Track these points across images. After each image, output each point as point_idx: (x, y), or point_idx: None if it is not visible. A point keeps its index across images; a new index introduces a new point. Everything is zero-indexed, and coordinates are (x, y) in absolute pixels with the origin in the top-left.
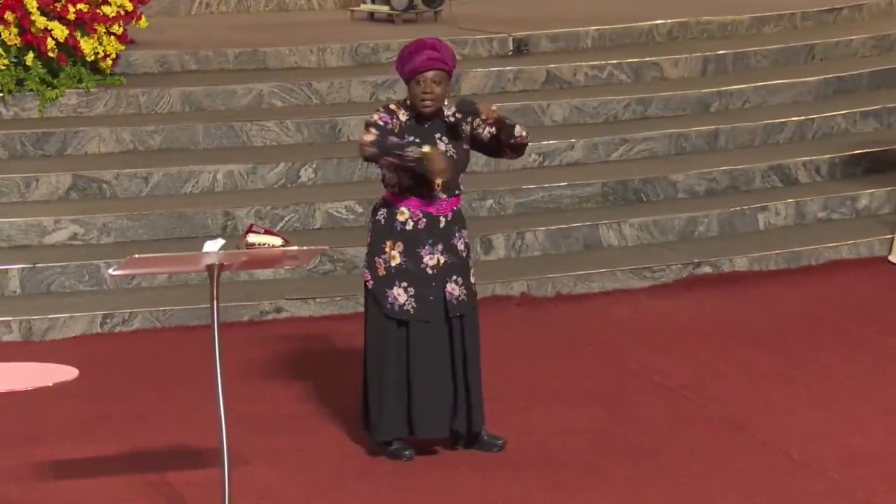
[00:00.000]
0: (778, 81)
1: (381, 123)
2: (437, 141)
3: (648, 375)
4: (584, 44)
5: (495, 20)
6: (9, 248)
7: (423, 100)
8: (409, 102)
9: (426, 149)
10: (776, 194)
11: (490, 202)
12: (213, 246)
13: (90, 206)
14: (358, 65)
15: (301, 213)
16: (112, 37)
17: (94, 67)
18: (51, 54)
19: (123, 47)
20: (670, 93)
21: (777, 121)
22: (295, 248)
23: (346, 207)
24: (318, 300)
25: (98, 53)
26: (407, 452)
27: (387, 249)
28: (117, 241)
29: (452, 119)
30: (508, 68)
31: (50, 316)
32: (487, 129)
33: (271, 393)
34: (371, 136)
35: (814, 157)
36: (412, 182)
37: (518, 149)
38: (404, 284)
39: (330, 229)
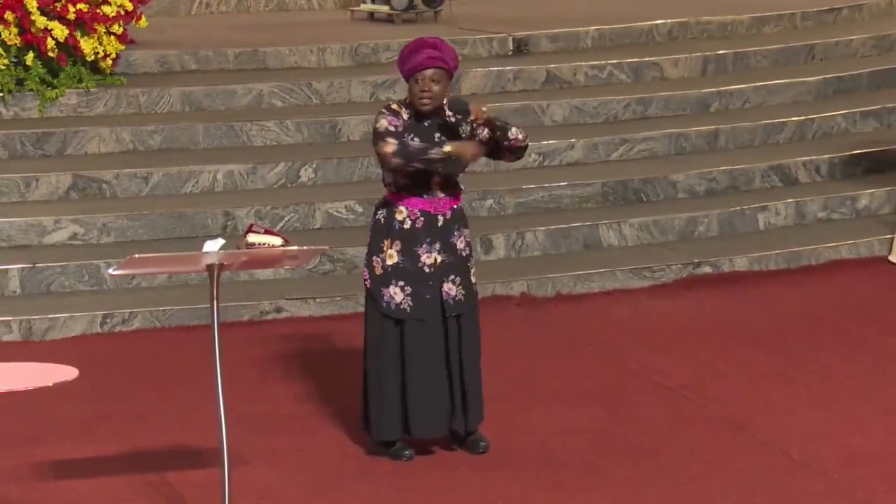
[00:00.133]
0: (778, 81)
1: (392, 129)
2: (437, 140)
3: (648, 375)
4: (584, 44)
5: (495, 20)
6: (9, 248)
7: (421, 98)
8: (409, 101)
9: (448, 148)
10: (776, 194)
11: (490, 202)
12: (213, 246)
13: (90, 206)
14: (358, 65)
15: (301, 213)
16: (112, 37)
17: (94, 67)
18: (51, 54)
19: (123, 47)
20: (670, 93)
21: (777, 121)
22: (295, 248)
23: (346, 207)
24: (318, 300)
25: (98, 53)
26: (407, 452)
27: (384, 248)
28: (117, 241)
29: (453, 118)
30: (508, 68)
31: (50, 316)
32: (485, 130)
33: (271, 393)
34: (391, 147)
35: (814, 157)
36: (408, 181)
37: (515, 151)
38: (401, 283)
39: (330, 229)
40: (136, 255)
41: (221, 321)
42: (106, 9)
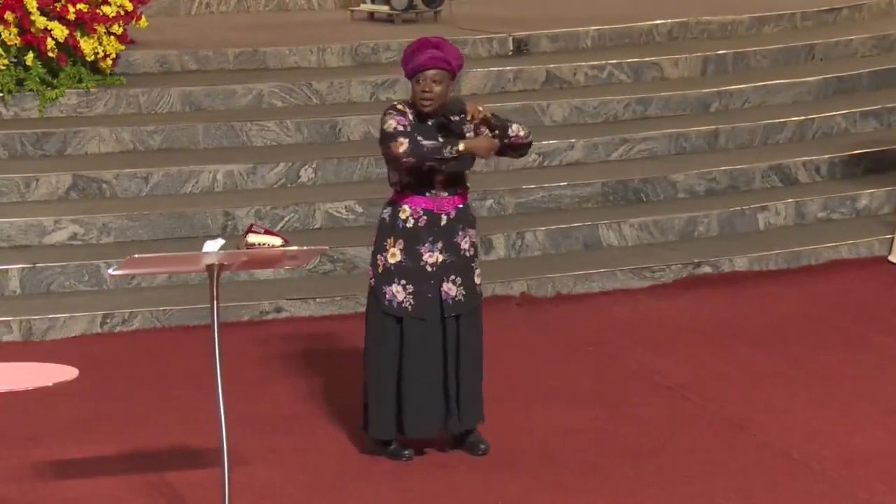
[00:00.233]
0: (778, 81)
1: (402, 129)
2: (440, 139)
3: (648, 375)
4: (584, 44)
5: (495, 20)
6: (9, 248)
7: (423, 98)
8: (412, 101)
9: (461, 146)
10: (776, 194)
11: (490, 202)
12: (213, 246)
13: (90, 206)
14: (358, 65)
15: (301, 213)
16: (112, 37)
17: (94, 67)
18: (51, 54)
19: (123, 47)
20: (670, 93)
21: (777, 121)
22: (295, 248)
23: (345, 207)
24: (318, 300)
25: (98, 53)
26: (406, 452)
27: (388, 247)
28: (117, 241)
29: (455, 118)
30: (508, 68)
31: (50, 316)
32: (485, 128)
33: (271, 393)
34: (403, 147)
35: (814, 157)
36: (412, 180)
37: (518, 148)
38: (403, 282)
39: (330, 229)
40: (136, 255)
41: (221, 321)
42: (106, 9)
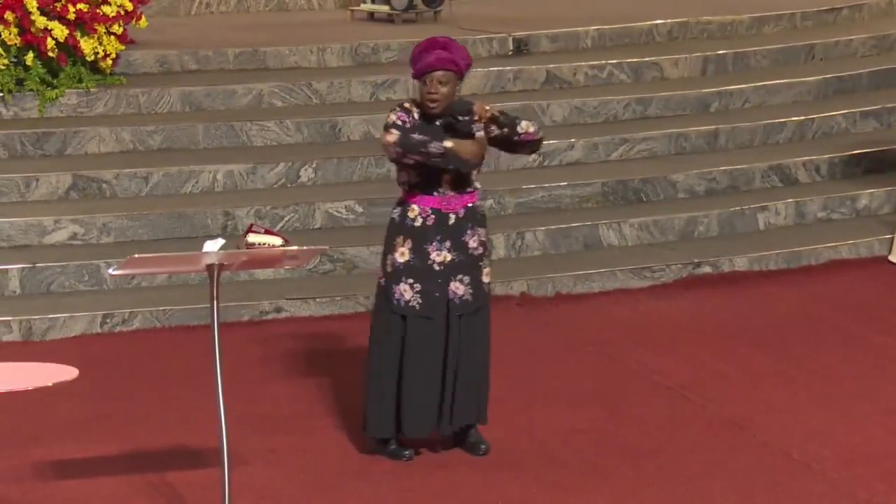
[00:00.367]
0: (778, 81)
1: (400, 123)
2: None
3: (648, 375)
4: (584, 44)
5: (495, 20)
6: (9, 248)
7: (429, 99)
8: (419, 101)
9: (448, 143)
10: (776, 194)
11: (490, 202)
12: (213, 246)
13: (90, 206)
14: (358, 65)
15: (301, 212)
16: (112, 37)
17: (94, 67)
18: (51, 54)
19: (123, 47)
20: (670, 93)
21: (777, 121)
22: (295, 247)
23: (346, 207)
24: (318, 300)
25: (98, 53)
26: (406, 452)
27: (397, 246)
28: (117, 240)
29: (463, 118)
30: (508, 68)
31: (50, 316)
32: (494, 126)
33: (271, 393)
34: (393, 137)
35: (814, 157)
36: (419, 179)
37: (529, 144)
38: (410, 281)
39: (330, 229)
40: (136, 255)
41: (221, 321)
42: (106, 9)
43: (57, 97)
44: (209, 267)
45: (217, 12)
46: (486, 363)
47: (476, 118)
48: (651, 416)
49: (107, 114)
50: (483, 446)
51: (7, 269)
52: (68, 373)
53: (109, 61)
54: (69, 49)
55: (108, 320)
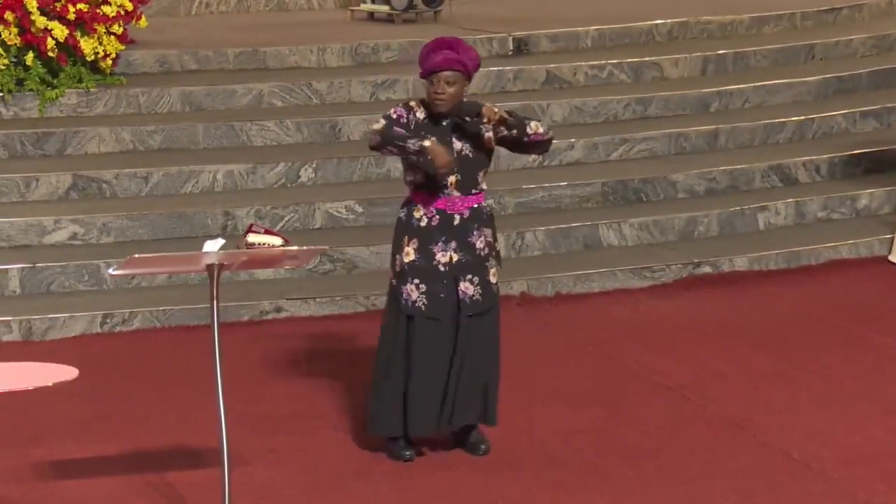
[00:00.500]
0: (778, 81)
1: (394, 117)
2: (453, 140)
3: (648, 375)
4: (584, 44)
5: (495, 20)
6: (9, 248)
7: (435, 99)
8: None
9: (426, 143)
10: (776, 194)
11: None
12: (213, 246)
13: (90, 206)
14: (358, 65)
15: (301, 212)
16: (112, 37)
17: (94, 67)
18: (51, 54)
19: (123, 47)
20: (670, 93)
21: (777, 121)
22: (295, 247)
23: (346, 207)
24: (318, 300)
25: (98, 53)
26: (408, 453)
27: (404, 246)
28: (117, 240)
29: (471, 119)
30: (508, 68)
31: (50, 316)
32: (503, 128)
33: (271, 393)
34: (378, 126)
35: (814, 157)
36: (424, 179)
37: (539, 145)
38: (416, 281)
39: (330, 229)
40: (136, 255)
41: (221, 321)
42: (106, 9)
43: (57, 97)
44: (209, 267)
45: (217, 12)
46: (495, 365)
47: (485, 120)
48: (651, 416)
49: (107, 114)
50: (483, 446)
51: (7, 269)
52: (68, 373)
53: (109, 61)
54: (69, 49)
55: (108, 320)
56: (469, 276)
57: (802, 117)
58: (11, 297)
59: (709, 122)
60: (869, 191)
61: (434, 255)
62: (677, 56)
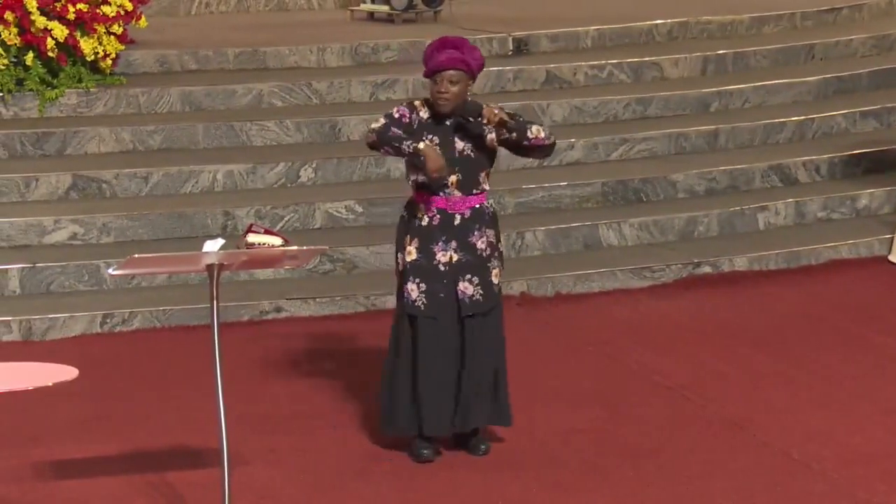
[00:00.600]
0: (778, 81)
1: (396, 116)
2: (455, 140)
3: (648, 375)
4: (584, 44)
5: (495, 20)
6: (9, 248)
7: (438, 99)
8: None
9: (421, 145)
10: (776, 194)
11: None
12: (213, 246)
13: (90, 206)
14: (358, 65)
15: (301, 212)
16: (112, 37)
17: (94, 67)
18: (51, 54)
19: (123, 47)
20: (670, 93)
21: (777, 121)
22: (295, 247)
23: (345, 207)
24: (318, 300)
25: (98, 53)
26: (426, 452)
27: (406, 244)
28: (117, 240)
29: (474, 119)
30: (508, 68)
31: (50, 316)
32: (503, 130)
33: (271, 393)
34: (377, 125)
35: (814, 157)
36: (426, 179)
37: (540, 149)
38: (417, 280)
39: (330, 229)
40: (136, 255)
41: (221, 321)
42: (106, 9)
43: (57, 97)
44: (209, 267)
45: (217, 12)
46: (502, 365)
47: (485, 121)
48: (651, 416)
49: (107, 114)
50: (483, 446)
51: (7, 269)
52: (68, 373)
53: (109, 61)
54: (69, 49)
55: (108, 320)
56: (468, 277)
57: (802, 117)
58: (11, 297)
59: (709, 122)
60: (869, 191)
61: (435, 254)
62: (677, 56)
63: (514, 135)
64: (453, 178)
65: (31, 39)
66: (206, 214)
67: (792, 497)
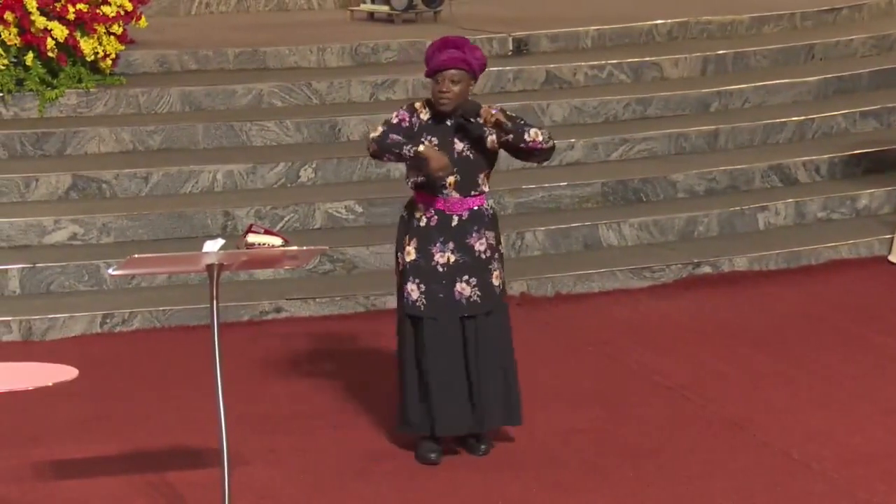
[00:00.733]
0: (778, 81)
1: (395, 121)
2: (455, 140)
3: (648, 375)
4: (584, 44)
5: (495, 20)
6: (9, 248)
7: (440, 98)
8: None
9: (421, 148)
10: (776, 194)
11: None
12: (212, 246)
13: (90, 206)
14: (358, 65)
15: (301, 213)
16: (112, 37)
17: (94, 67)
18: (51, 54)
19: (123, 47)
20: (670, 93)
21: (777, 121)
22: (295, 248)
23: (345, 207)
24: (317, 300)
25: (98, 53)
26: (432, 455)
27: (405, 245)
28: (117, 241)
29: (474, 119)
30: (508, 68)
31: (50, 316)
32: (501, 131)
33: (271, 393)
34: (376, 133)
35: (814, 157)
36: (425, 180)
37: (537, 153)
38: (417, 281)
39: (330, 229)
40: (136, 255)
41: (221, 321)
42: (106, 9)
43: (57, 97)
44: (209, 267)
45: (217, 12)
46: (511, 365)
47: (482, 121)
48: (651, 416)
49: (107, 114)
50: (483, 446)
51: (7, 269)
52: (68, 373)
53: (109, 61)
54: (69, 49)
55: (108, 320)
56: (466, 278)
57: (802, 117)
58: (11, 297)
59: (709, 122)
60: (869, 191)
61: (433, 255)
62: (677, 56)
63: (511, 137)
64: (451, 180)
65: (31, 39)
66: (206, 214)
67: (792, 497)
